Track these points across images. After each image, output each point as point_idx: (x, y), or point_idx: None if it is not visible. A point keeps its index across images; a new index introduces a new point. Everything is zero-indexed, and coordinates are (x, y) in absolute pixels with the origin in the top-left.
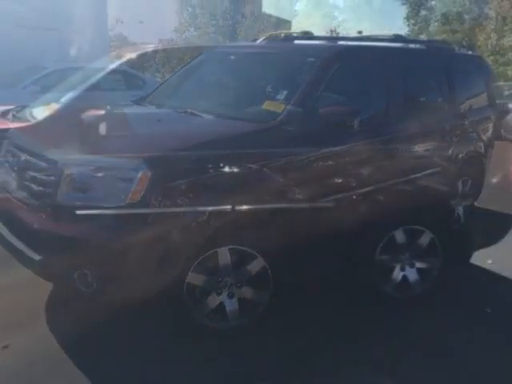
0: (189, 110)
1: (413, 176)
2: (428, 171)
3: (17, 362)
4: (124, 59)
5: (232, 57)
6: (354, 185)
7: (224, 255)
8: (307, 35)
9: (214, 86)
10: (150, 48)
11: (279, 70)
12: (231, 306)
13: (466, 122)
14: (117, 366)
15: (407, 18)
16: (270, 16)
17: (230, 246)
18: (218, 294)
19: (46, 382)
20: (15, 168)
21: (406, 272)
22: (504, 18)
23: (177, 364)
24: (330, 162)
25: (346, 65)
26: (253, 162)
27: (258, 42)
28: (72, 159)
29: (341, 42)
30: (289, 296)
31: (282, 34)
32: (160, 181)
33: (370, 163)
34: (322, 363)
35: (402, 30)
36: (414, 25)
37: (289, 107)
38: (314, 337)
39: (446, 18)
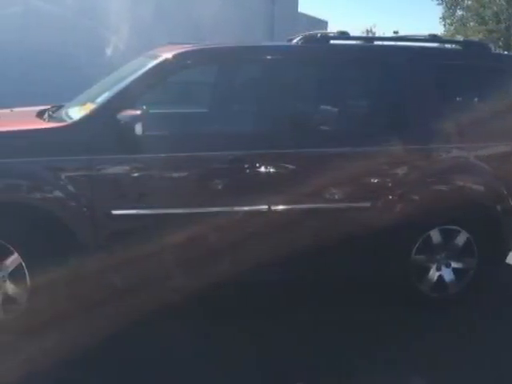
0: None
1: None
2: None
3: (51, 362)
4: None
5: None
6: None
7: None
8: (344, 35)
9: None
10: (189, 47)
11: None
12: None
13: None
14: (150, 367)
15: (443, 18)
16: None
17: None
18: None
19: (77, 382)
20: None
21: (441, 272)
22: None
23: (208, 365)
24: None
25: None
26: None
27: (293, 41)
28: None
29: None
30: (322, 296)
31: (319, 34)
32: None
33: None
34: (357, 363)
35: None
36: (450, 25)
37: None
38: (348, 337)
39: (481, 18)
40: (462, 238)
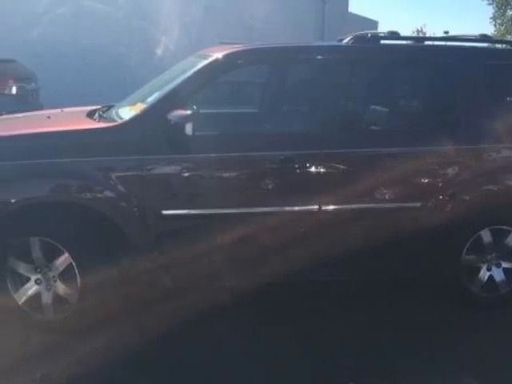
0: None
1: None
2: None
3: (101, 362)
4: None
5: None
6: None
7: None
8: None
9: None
10: (239, 47)
11: None
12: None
13: None
14: (200, 367)
15: (493, 18)
16: None
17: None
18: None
19: (128, 382)
20: None
21: (492, 272)
22: None
23: (257, 365)
24: None
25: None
26: None
27: (344, 41)
28: None
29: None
30: (368, 296)
31: (369, 34)
32: None
33: None
34: (405, 363)
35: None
36: (501, 25)
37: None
38: (396, 337)
39: None
40: None
